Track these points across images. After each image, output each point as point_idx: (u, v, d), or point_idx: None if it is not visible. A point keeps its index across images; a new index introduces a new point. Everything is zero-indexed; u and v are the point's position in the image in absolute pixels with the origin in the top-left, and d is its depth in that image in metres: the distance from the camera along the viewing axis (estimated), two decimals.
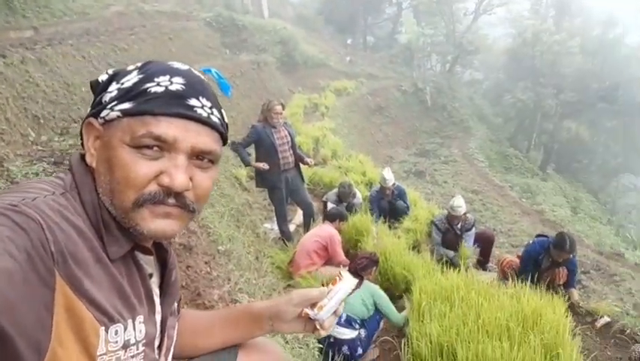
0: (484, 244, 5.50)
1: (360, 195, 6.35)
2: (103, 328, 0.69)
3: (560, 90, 21.19)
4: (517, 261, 5.04)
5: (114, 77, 0.77)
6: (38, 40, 5.96)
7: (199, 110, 0.75)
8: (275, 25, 17.11)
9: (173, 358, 0.98)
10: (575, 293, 4.79)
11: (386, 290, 4.21)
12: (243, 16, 16.34)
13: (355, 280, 1.03)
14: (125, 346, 0.73)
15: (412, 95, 20.70)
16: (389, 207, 6.27)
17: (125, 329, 0.73)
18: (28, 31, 6.48)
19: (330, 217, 4.93)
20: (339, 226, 4.88)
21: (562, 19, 25.07)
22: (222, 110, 0.82)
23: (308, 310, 0.97)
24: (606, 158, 25.86)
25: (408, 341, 3.41)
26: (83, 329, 0.66)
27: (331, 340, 3.39)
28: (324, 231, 4.69)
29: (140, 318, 0.77)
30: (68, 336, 0.65)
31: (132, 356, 0.75)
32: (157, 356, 0.85)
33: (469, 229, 5.36)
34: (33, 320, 0.59)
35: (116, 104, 0.73)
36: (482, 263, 5.53)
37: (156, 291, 0.88)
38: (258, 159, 4.94)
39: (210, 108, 0.77)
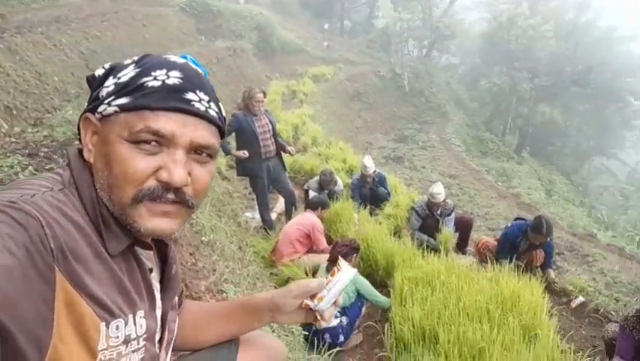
0: (463, 228, 5.60)
1: (341, 182, 6.36)
2: (103, 323, 0.69)
3: (534, 74, 21.45)
4: (494, 242, 5.17)
5: (111, 72, 0.77)
6: (6, 28, 5.71)
7: (197, 105, 0.74)
8: (251, 11, 16.82)
9: (175, 350, 0.99)
10: (552, 273, 4.98)
11: (368, 276, 4.28)
12: (218, 1, 15.97)
13: (354, 270, 1.05)
14: (126, 341, 0.74)
15: (390, 81, 20.68)
16: (370, 193, 6.31)
17: (126, 324, 0.74)
18: None
19: (312, 205, 4.94)
20: (321, 214, 4.89)
21: (537, 2, 25.27)
22: (220, 104, 0.81)
23: (308, 302, 0.99)
24: (579, 141, 26.41)
25: (391, 326, 3.47)
26: (84, 325, 0.67)
27: (314, 328, 3.43)
28: (306, 219, 4.69)
29: (140, 313, 0.78)
30: (69, 332, 0.65)
31: (133, 351, 0.76)
32: (157, 350, 0.86)
33: (449, 214, 5.44)
34: (33, 316, 0.59)
35: (113, 99, 0.73)
36: (461, 247, 5.64)
37: (157, 286, 0.88)
38: (238, 148, 4.89)
39: (208, 102, 0.77)
